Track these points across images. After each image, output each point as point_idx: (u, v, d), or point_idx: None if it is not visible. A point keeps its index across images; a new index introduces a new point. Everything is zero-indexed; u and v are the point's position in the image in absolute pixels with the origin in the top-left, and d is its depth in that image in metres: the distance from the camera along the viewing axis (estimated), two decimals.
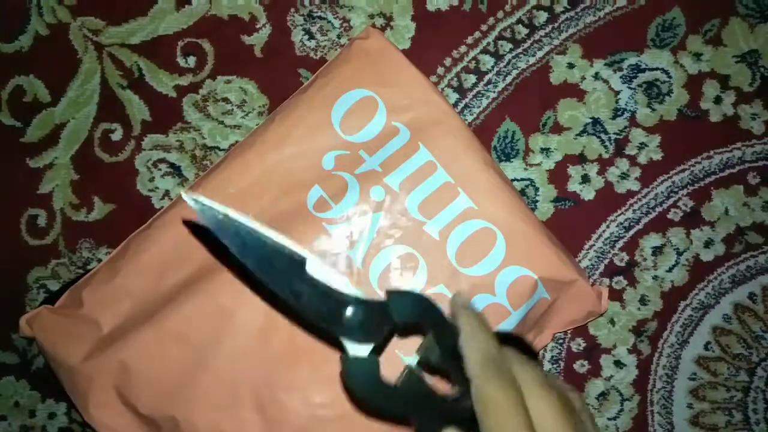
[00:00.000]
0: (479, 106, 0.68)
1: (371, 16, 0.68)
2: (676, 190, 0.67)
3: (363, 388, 0.32)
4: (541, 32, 0.68)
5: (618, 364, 0.68)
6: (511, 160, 0.68)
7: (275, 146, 0.58)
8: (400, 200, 0.57)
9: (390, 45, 0.61)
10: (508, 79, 0.68)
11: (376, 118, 0.58)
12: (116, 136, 0.69)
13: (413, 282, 0.56)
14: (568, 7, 0.68)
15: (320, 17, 0.68)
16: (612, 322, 0.68)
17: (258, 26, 0.68)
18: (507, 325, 0.57)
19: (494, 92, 0.68)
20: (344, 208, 0.56)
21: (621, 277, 0.68)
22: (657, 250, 0.67)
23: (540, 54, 0.68)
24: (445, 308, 0.34)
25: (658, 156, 0.67)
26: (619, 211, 0.68)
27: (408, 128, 0.58)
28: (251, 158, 0.58)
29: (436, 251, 0.56)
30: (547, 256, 0.57)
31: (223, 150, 0.68)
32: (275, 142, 0.58)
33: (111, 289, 0.57)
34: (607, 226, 0.68)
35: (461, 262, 0.56)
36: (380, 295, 0.56)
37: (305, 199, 0.57)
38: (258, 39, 0.68)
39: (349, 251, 0.56)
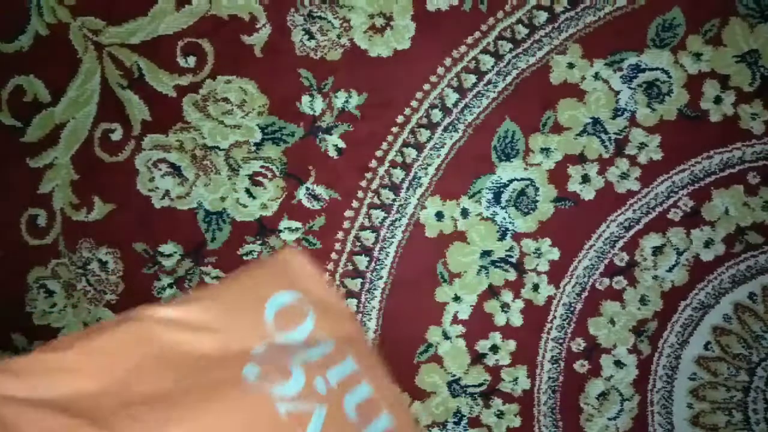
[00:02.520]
0: (479, 106, 0.68)
1: (371, 16, 0.68)
2: (676, 190, 0.67)
3: None
4: (541, 32, 0.68)
5: (618, 364, 0.68)
6: (511, 160, 0.68)
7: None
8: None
9: (302, 257, 0.54)
10: (508, 79, 0.68)
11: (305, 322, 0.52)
12: (116, 136, 0.69)
13: None
14: (568, 7, 0.68)
15: (320, 17, 0.68)
16: (612, 322, 0.68)
17: (258, 26, 0.68)
18: None
19: (494, 92, 0.68)
20: (290, 390, 0.49)
21: (621, 277, 0.68)
22: (657, 250, 0.67)
23: (540, 54, 0.68)
24: None
25: (658, 156, 0.67)
26: (619, 211, 0.68)
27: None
28: None
29: None
30: None
31: (223, 150, 0.68)
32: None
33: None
34: (607, 226, 0.68)
35: None
36: None
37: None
38: (258, 39, 0.68)
39: None
